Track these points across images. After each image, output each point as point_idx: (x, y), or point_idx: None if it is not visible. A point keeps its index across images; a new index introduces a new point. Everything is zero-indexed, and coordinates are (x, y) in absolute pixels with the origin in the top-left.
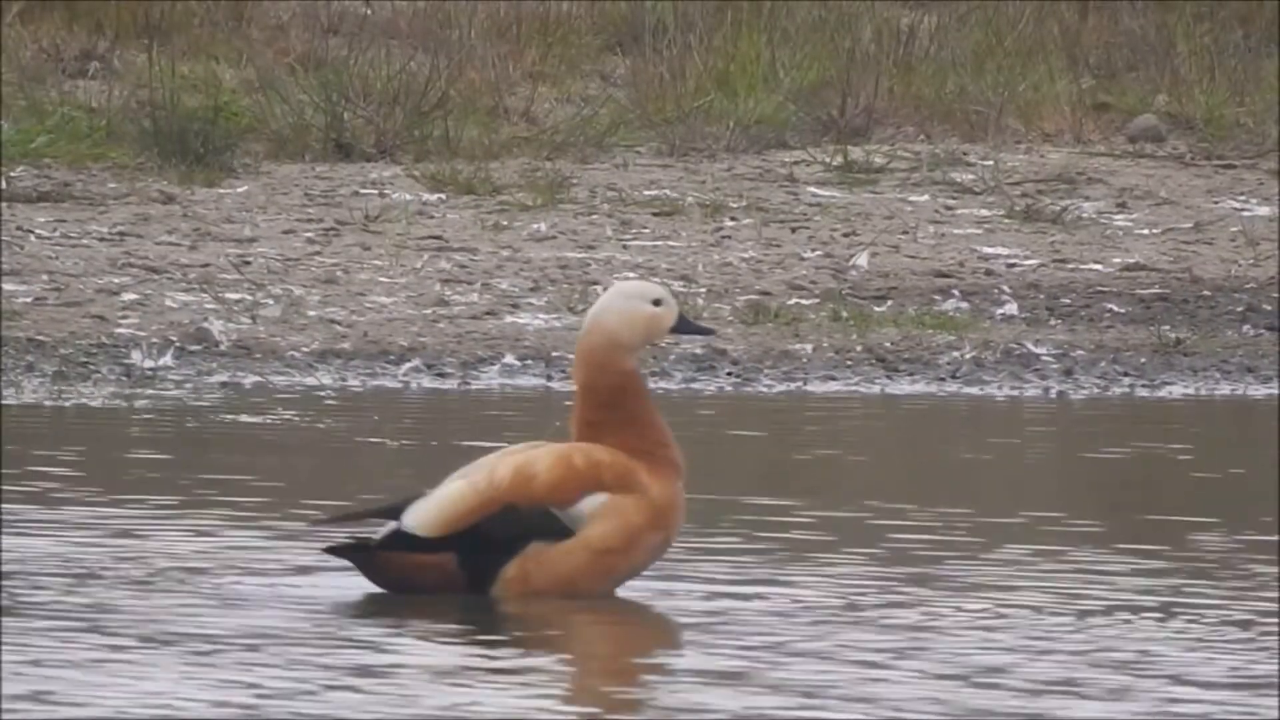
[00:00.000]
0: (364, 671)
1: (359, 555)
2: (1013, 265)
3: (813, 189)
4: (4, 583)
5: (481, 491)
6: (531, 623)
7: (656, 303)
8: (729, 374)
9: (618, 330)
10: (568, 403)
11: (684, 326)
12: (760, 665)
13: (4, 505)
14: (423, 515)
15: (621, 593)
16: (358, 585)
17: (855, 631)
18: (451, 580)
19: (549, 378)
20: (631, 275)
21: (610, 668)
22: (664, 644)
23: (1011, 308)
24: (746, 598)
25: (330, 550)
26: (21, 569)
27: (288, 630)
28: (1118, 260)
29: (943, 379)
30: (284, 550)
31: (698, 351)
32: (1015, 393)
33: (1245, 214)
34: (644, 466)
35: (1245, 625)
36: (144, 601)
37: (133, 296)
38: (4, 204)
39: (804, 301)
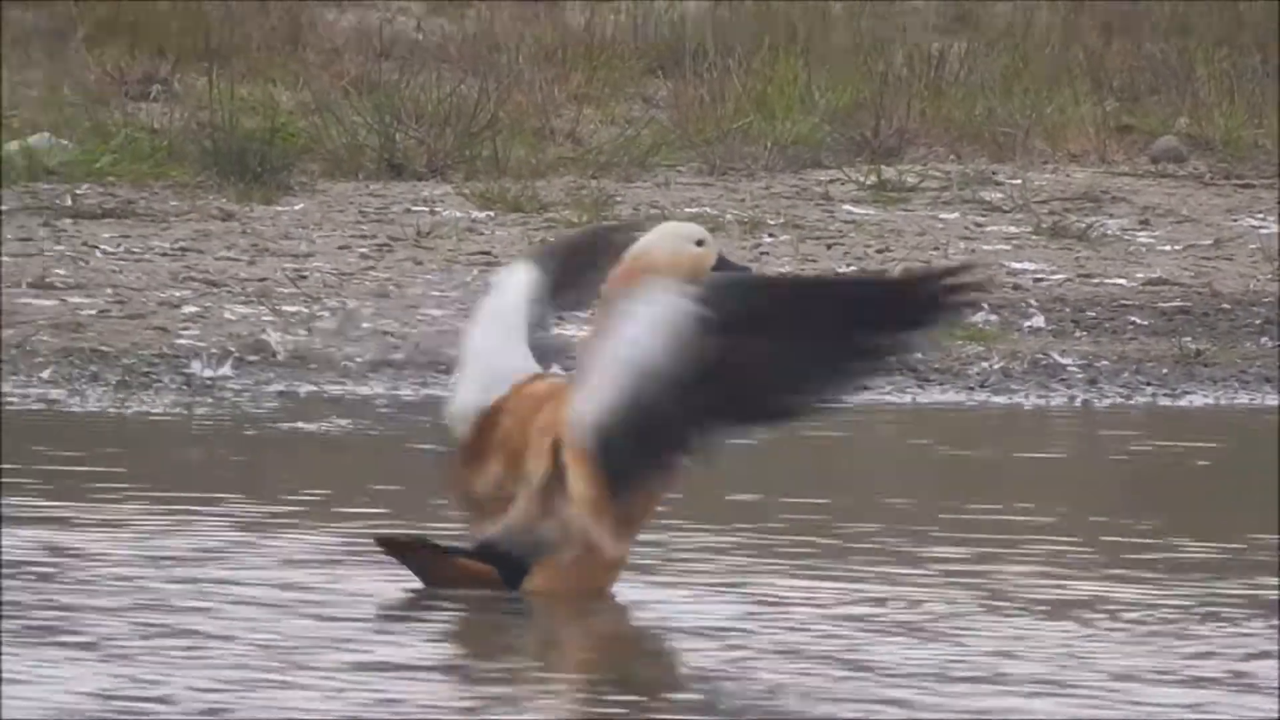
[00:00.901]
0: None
1: (406, 551)
2: (1039, 280)
3: (847, 207)
4: (7, 582)
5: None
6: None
7: (699, 243)
8: None
9: (663, 268)
10: None
11: (724, 264)
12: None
13: (65, 505)
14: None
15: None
16: (391, 589)
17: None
18: (491, 584)
19: None
20: None
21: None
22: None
23: (1038, 320)
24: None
25: (380, 540)
26: (72, 568)
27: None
28: (1140, 275)
29: (972, 388)
30: (329, 554)
31: None
32: (1042, 401)
33: (1263, 231)
34: None
35: (1260, 631)
36: (171, 602)
37: (193, 309)
38: (70, 220)
39: None
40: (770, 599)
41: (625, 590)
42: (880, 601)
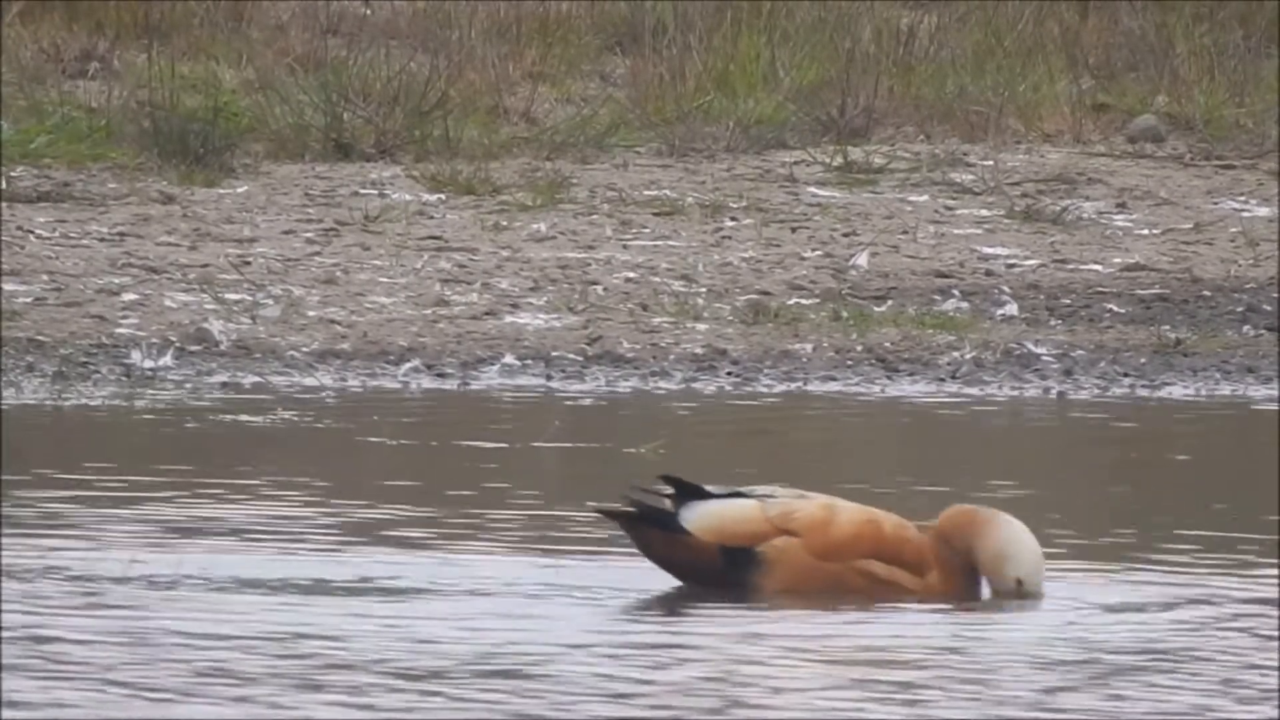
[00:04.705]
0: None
1: (636, 524)
2: (1013, 265)
3: (813, 189)
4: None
5: (771, 519)
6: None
7: (1018, 582)
8: (729, 374)
9: (984, 565)
10: (568, 402)
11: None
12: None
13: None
14: (706, 520)
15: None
16: (364, 588)
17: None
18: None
19: (549, 377)
20: (632, 275)
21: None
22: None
23: (1011, 308)
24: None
25: (603, 511)
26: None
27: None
28: (1118, 260)
29: (943, 379)
30: (280, 551)
31: (698, 351)
32: (1015, 393)
33: (1245, 214)
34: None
35: (1245, 628)
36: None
37: (133, 297)
38: (4, 204)
39: (804, 301)
40: None
41: None
42: None
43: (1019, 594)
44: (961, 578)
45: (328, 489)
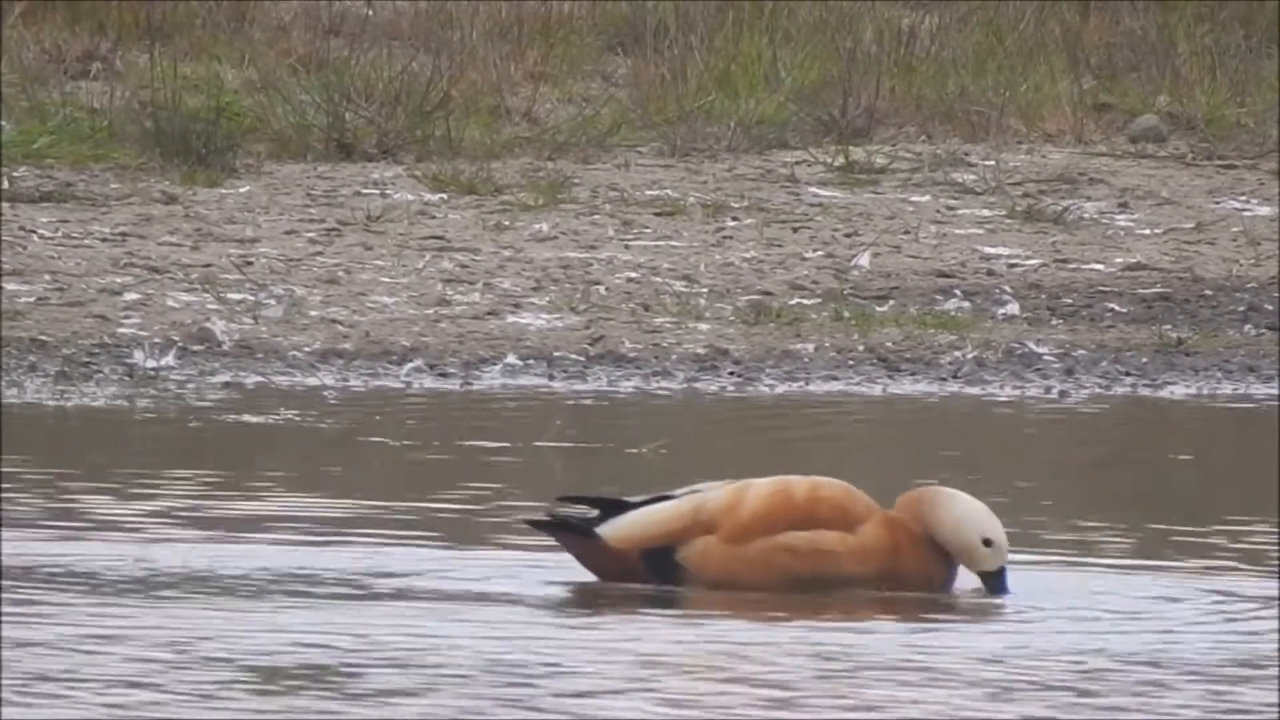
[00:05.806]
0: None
1: (562, 534)
2: (1014, 265)
3: (814, 189)
4: (3, 582)
5: (684, 515)
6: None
7: (987, 543)
8: (731, 374)
9: (946, 532)
10: (569, 402)
11: (997, 585)
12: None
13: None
14: (621, 528)
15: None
16: (355, 591)
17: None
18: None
19: (551, 377)
20: (633, 275)
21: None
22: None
23: (1013, 307)
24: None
25: (533, 524)
26: (19, 570)
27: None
28: (1119, 260)
29: (944, 379)
30: (280, 550)
31: (700, 351)
32: (1017, 392)
33: (1246, 214)
34: (886, 519)
35: (1246, 628)
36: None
37: (135, 296)
38: (6, 204)
39: (806, 301)
40: None
41: None
42: None
43: (992, 559)
44: (925, 550)
45: (329, 489)
